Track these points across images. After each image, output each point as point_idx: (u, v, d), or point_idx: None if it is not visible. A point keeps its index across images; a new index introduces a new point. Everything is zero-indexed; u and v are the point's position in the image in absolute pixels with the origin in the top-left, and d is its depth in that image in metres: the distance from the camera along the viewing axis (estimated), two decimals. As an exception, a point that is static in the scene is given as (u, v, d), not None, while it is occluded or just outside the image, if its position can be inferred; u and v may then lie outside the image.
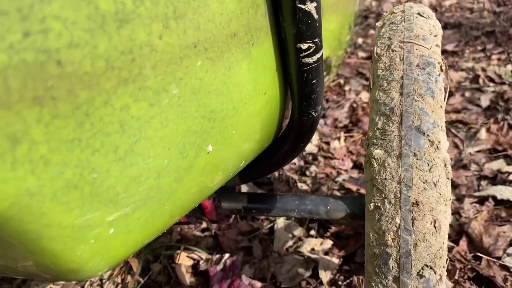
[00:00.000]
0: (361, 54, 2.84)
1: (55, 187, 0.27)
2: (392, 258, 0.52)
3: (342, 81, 2.42)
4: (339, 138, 1.81)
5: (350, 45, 3.01)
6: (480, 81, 2.13)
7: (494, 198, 1.34)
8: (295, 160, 1.69)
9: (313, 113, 0.67)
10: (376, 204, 0.54)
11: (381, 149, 0.55)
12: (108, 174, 0.31)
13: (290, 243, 1.30)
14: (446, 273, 0.53)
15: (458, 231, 1.24)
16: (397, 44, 0.61)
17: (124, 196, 0.35)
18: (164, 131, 0.36)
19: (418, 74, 0.57)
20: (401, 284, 0.52)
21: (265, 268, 1.19)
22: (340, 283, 1.14)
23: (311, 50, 0.56)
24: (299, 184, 1.54)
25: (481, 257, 1.13)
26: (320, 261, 1.18)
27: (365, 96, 2.18)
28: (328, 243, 1.27)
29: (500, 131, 1.68)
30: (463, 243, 1.19)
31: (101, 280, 1.21)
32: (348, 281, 1.14)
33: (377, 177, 0.54)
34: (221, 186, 0.62)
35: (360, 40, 3.19)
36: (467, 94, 2.04)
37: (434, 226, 0.52)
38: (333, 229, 1.32)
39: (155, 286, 1.19)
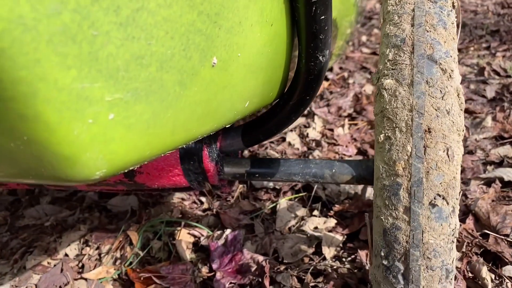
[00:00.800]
0: (365, 50, 2.84)
1: (51, 29, 0.26)
2: (403, 188, 0.50)
3: (346, 74, 2.41)
4: (343, 126, 1.79)
5: (352, 40, 3.01)
6: (486, 73, 2.11)
7: (501, 180, 1.31)
8: (298, 145, 1.67)
9: (320, 57, 0.65)
10: (387, 134, 0.52)
11: (392, 79, 0.53)
12: (108, 38, 0.30)
13: (293, 222, 1.27)
14: (458, 208, 0.51)
15: (465, 211, 1.22)
16: (408, -19, 0.60)
17: (125, 76, 0.33)
18: (167, 12, 0.34)
19: (429, 7, 0.56)
20: (412, 214, 0.50)
21: (267, 244, 1.17)
22: (344, 259, 1.12)
23: (321, -22, 0.54)
24: (302, 168, 1.51)
25: (489, 235, 1.11)
26: (324, 238, 1.16)
27: (369, 88, 2.16)
28: (332, 221, 1.24)
29: (506, 119, 1.66)
30: (469, 222, 1.17)
31: (99, 254, 1.19)
32: (352, 257, 1.12)
33: (387, 107, 0.52)
34: (224, 125, 0.61)
35: (364, 38, 3.19)
36: (472, 86, 2.03)
37: (447, 154, 0.50)
38: (336, 207, 1.29)
39: (154, 262, 1.16)
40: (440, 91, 0.51)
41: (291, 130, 1.77)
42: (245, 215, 1.32)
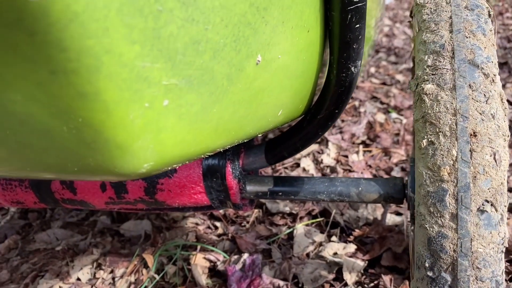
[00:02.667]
0: (375, 80, 2.86)
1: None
2: (449, 194, 0.48)
3: (357, 103, 2.41)
4: (357, 152, 1.77)
5: (363, 71, 3.04)
6: (498, 102, 2.11)
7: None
8: (313, 171, 1.66)
9: (352, 68, 0.65)
10: (430, 139, 0.51)
11: (432, 84, 0.52)
12: (171, 16, 0.29)
13: (311, 248, 1.24)
14: (507, 216, 0.49)
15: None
16: (442, -8, 0.60)
17: (182, 60, 0.32)
18: (224, -2, 0.33)
19: (467, 15, 0.56)
20: (459, 221, 0.48)
21: (286, 269, 1.13)
22: (366, 286, 1.08)
23: (358, -15, 0.54)
24: (318, 193, 1.49)
25: (516, 261, 1.07)
26: (344, 263, 1.12)
27: (381, 117, 2.16)
28: (352, 247, 1.21)
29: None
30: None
31: (113, 278, 1.15)
32: (374, 283, 1.08)
33: (429, 112, 0.51)
34: (257, 133, 0.59)
35: (372, 70, 3.22)
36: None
37: (494, 159, 0.48)
38: (356, 233, 1.26)
39: (169, 287, 1.12)
40: (484, 95, 0.50)
41: (305, 156, 1.75)
42: (261, 240, 1.29)
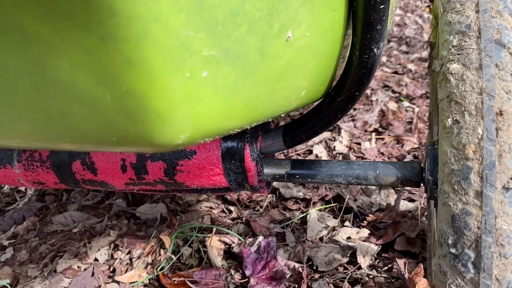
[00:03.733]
0: (386, 69, 2.84)
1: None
2: (474, 172, 0.49)
3: (369, 92, 2.41)
4: (370, 140, 1.78)
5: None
6: None
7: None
8: (325, 158, 1.66)
9: (375, 50, 0.65)
10: (455, 118, 0.51)
11: (458, 63, 0.52)
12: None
13: (324, 232, 1.25)
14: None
15: None
16: (467, -28, 0.60)
17: (221, 32, 0.33)
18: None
19: (493, -5, 0.56)
20: (484, 198, 0.48)
21: (300, 252, 1.14)
22: (379, 269, 1.09)
23: (384, -36, 0.54)
24: (331, 179, 1.49)
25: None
26: (358, 247, 1.13)
27: (393, 105, 2.16)
28: (365, 232, 1.22)
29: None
30: None
31: (130, 259, 1.17)
32: (388, 266, 1.09)
33: (455, 91, 0.52)
34: (282, 112, 0.60)
35: (384, 59, 3.20)
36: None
37: (520, 137, 0.48)
38: (370, 217, 1.27)
39: (185, 269, 1.14)
40: (511, 74, 0.50)
41: (318, 143, 1.76)
42: (275, 224, 1.30)
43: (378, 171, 0.86)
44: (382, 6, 0.59)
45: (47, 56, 0.29)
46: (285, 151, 1.72)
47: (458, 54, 0.53)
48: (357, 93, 0.73)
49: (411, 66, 2.90)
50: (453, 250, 0.51)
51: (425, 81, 2.59)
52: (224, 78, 0.36)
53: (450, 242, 0.51)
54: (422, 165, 0.84)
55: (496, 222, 0.48)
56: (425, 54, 3.22)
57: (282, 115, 0.61)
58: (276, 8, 0.39)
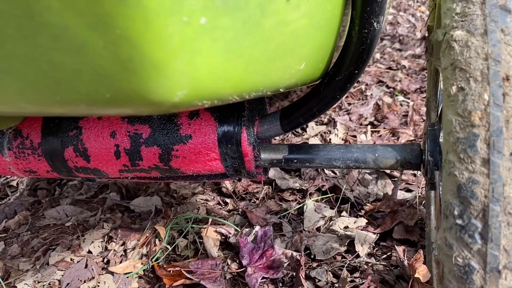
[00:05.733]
0: (380, 65, 2.84)
1: None
2: (480, 139, 0.47)
3: (363, 87, 2.40)
4: (365, 133, 1.77)
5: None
6: None
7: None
8: (322, 150, 1.64)
9: (375, 24, 0.63)
10: (460, 85, 0.50)
11: (462, 30, 0.51)
12: None
13: (321, 222, 1.23)
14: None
15: None
16: None
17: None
18: None
19: (496, -38, 0.54)
20: (491, 165, 0.47)
21: (297, 241, 1.13)
22: (378, 257, 1.07)
23: None
24: (327, 172, 1.48)
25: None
26: (356, 235, 1.12)
27: (388, 99, 2.15)
28: (363, 221, 1.20)
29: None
30: None
31: (125, 250, 1.15)
32: (386, 255, 1.07)
33: (459, 58, 0.50)
34: (280, 87, 0.58)
35: (377, 55, 3.20)
36: None
37: (528, 103, 0.47)
38: (368, 207, 1.25)
39: (180, 260, 1.12)
40: (517, 39, 0.48)
41: (313, 136, 1.74)
42: (271, 214, 1.28)
43: (377, 154, 0.84)
44: (383, -23, 0.58)
45: (35, -5, 0.27)
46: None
47: (462, 21, 0.51)
48: (356, 72, 0.71)
49: (404, 63, 2.90)
50: (459, 221, 0.49)
51: (419, 77, 2.59)
52: (223, 30, 0.35)
53: (456, 213, 0.49)
54: (421, 147, 0.83)
55: (504, 190, 0.47)
56: (418, 51, 3.23)
57: (281, 90, 0.60)
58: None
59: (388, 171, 1.41)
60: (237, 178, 0.96)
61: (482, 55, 0.49)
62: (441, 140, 0.77)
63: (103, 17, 0.28)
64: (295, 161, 0.88)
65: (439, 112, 0.82)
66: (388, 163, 0.84)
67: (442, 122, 0.77)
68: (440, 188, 0.77)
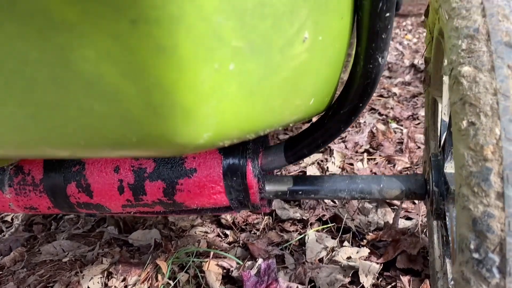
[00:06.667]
0: (372, 93, 2.88)
1: None
2: (494, 173, 0.48)
3: (356, 114, 2.42)
4: (362, 160, 1.78)
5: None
6: None
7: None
8: (320, 179, 1.65)
9: (379, 59, 0.65)
10: (470, 120, 0.51)
11: (469, 66, 0.52)
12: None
13: (324, 253, 1.23)
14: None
15: None
16: (469, -19, 0.61)
17: (250, 22, 0.32)
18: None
19: (497, 0, 0.56)
20: (506, 199, 0.47)
21: (301, 274, 1.11)
22: (383, 287, 1.06)
23: (391, -28, 0.55)
24: (327, 201, 1.48)
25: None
26: (360, 266, 1.11)
27: (381, 127, 2.17)
28: (365, 251, 1.20)
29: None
30: None
31: (125, 287, 1.13)
32: (391, 285, 1.07)
33: (468, 93, 0.51)
34: (292, 122, 0.59)
35: (369, 83, 3.24)
36: None
37: (538, 136, 0.48)
38: (370, 236, 1.25)
39: (182, 295, 1.10)
40: (523, 74, 0.50)
41: (310, 164, 1.75)
42: (273, 246, 1.27)
43: (382, 185, 0.85)
44: (388, 15, 0.59)
45: (72, 45, 0.28)
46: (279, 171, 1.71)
47: (468, 57, 0.53)
48: (360, 105, 0.72)
49: (395, 90, 2.95)
50: (476, 255, 0.49)
51: (410, 104, 2.64)
52: (249, 74, 0.35)
53: (472, 247, 0.49)
54: (425, 177, 0.84)
55: (520, 223, 0.47)
56: (408, 78, 3.29)
57: (290, 125, 0.60)
58: (297, 5, 0.38)
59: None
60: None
61: (491, 90, 0.50)
62: (445, 170, 0.78)
63: (138, 66, 0.28)
64: (300, 192, 0.89)
65: (441, 142, 0.83)
66: (393, 193, 0.84)
67: (446, 153, 0.79)
68: (448, 219, 0.77)
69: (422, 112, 2.36)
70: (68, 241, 1.40)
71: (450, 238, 0.77)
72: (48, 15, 0.26)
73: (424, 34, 5.31)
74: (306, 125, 1.84)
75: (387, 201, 1.40)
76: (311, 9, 0.42)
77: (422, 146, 1.86)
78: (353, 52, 0.68)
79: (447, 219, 0.77)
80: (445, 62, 0.58)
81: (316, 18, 0.45)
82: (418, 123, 2.22)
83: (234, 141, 0.44)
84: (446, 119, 0.87)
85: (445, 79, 0.82)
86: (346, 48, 0.65)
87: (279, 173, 1.70)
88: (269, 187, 0.90)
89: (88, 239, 1.42)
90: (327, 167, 1.71)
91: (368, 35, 0.62)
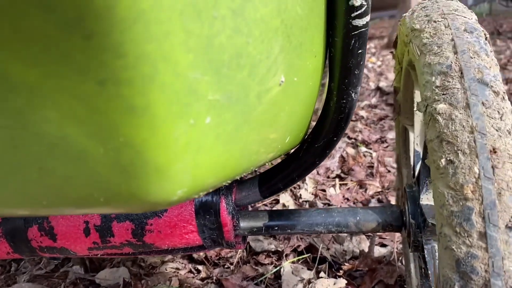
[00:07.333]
0: (340, 116, 2.91)
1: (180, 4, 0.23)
2: (475, 212, 0.47)
3: (326, 139, 2.43)
4: (334, 186, 1.77)
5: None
6: None
7: None
8: (292, 207, 1.63)
9: (352, 95, 0.64)
10: (448, 158, 0.50)
11: (445, 103, 0.52)
12: (223, 24, 0.27)
13: (300, 286, 1.20)
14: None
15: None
16: (438, 17, 0.62)
17: (226, 74, 0.30)
18: (264, 11, 0.32)
19: (467, 37, 0.57)
20: (488, 239, 0.46)
21: (278, 309, 1.08)
22: (362, 321, 1.04)
23: (363, 10, 0.54)
24: (300, 229, 1.46)
25: None
26: (338, 299, 1.09)
27: (351, 151, 2.19)
28: (342, 282, 1.18)
29: None
30: None
31: (92, 333, 1.06)
32: (371, 317, 1.05)
33: (445, 131, 0.51)
34: (267, 161, 0.57)
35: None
36: None
37: (516, 174, 0.48)
38: (346, 266, 1.23)
39: (154, 338, 1.04)
40: (498, 112, 0.50)
41: (283, 192, 1.73)
42: (248, 281, 1.23)
43: (358, 217, 0.83)
44: (360, 51, 0.59)
45: (32, 107, 0.25)
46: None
47: (443, 94, 0.53)
48: (335, 138, 0.72)
49: (362, 113, 3.00)
50: (461, 297, 0.48)
51: (378, 127, 2.68)
52: (225, 125, 0.33)
53: (457, 288, 0.48)
54: (401, 208, 0.83)
55: (504, 263, 0.46)
56: (374, 101, 3.36)
57: (266, 164, 0.58)
58: (273, 51, 0.37)
59: (361, 227, 1.41)
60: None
61: (468, 128, 0.50)
62: (421, 202, 0.77)
63: (106, 126, 0.26)
64: (276, 228, 0.86)
65: (416, 173, 0.83)
66: (370, 226, 0.83)
67: (421, 184, 0.78)
68: (426, 251, 0.77)
69: (390, 135, 2.40)
70: (30, 283, 1.32)
71: (429, 272, 0.76)
72: (5, 76, 0.23)
73: (388, 57, 5.47)
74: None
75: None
76: (287, 52, 0.41)
77: (392, 170, 1.88)
78: (326, 87, 0.68)
79: (425, 251, 0.76)
80: (420, 98, 0.58)
81: (291, 61, 0.44)
82: (387, 146, 2.25)
83: (210, 190, 0.41)
84: (419, 149, 0.87)
85: (417, 110, 0.82)
86: (319, 85, 0.64)
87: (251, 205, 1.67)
88: (243, 224, 0.87)
89: (51, 280, 1.34)
90: (300, 194, 1.70)
91: (340, 72, 0.61)
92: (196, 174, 0.33)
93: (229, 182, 0.46)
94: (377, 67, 4.81)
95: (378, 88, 3.64)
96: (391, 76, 4.04)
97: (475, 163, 0.48)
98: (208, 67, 0.27)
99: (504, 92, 0.52)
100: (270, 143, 0.50)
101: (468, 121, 0.50)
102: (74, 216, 0.82)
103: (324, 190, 1.73)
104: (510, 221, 0.47)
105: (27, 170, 0.29)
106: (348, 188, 1.78)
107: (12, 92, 0.24)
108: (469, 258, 0.47)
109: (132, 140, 0.27)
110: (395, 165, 1.87)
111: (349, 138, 2.49)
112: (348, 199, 1.70)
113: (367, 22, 0.56)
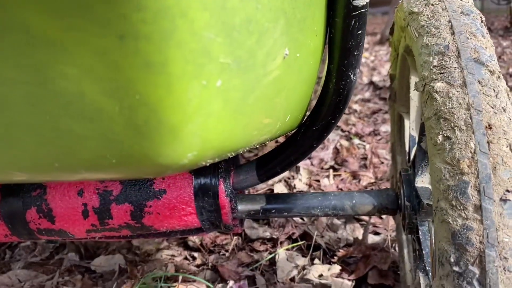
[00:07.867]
0: (334, 110, 2.93)
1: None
2: (471, 186, 0.49)
3: (319, 131, 2.45)
4: (328, 176, 1.79)
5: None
6: None
7: None
8: (287, 197, 1.64)
9: (351, 76, 0.66)
10: (445, 134, 0.51)
11: (442, 82, 0.54)
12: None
13: (295, 272, 1.21)
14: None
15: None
16: (435, 0, 0.63)
17: (237, 38, 0.31)
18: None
19: (464, 19, 0.58)
20: (483, 211, 0.48)
21: (274, 294, 1.09)
22: (356, 305, 1.06)
23: (363, -10, 0.56)
24: (296, 218, 1.48)
25: None
26: (333, 284, 1.11)
27: (345, 143, 2.21)
28: (336, 268, 1.19)
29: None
30: None
31: (89, 317, 1.07)
32: (365, 301, 1.06)
33: (442, 108, 0.52)
34: (269, 138, 0.58)
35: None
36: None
37: (510, 149, 0.49)
38: (340, 253, 1.25)
39: (150, 323, 1.05)
40: (493, 90, 0.52)
41: (278, 182, 1.75)
42: (243, 267, 1.25)
43: (354, 201, 0.85)
44: (360, 32, 0.60)
45: (52, 62, 0.26)
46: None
47: (440, 73, 0.54)
48: (333, 121, 0.73)
49: (356, 107, 3.02)
50: (456, 268, 0.49)
51: (371, 120, 2.70)
52: (234, 91, 0.34)
53: (452, 260, 0.50)
54: (396, 192, 0.85)
55: (498, 235, 0.48)
56: (367, 95, 3.38)
57: (267, 142, 0.60)
58: (279, 21, 0.38)
59: (355, 215, 1.43)
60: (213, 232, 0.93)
61: (464, 105, 0.51)
62: (416, 185, 0.79)
63: (123, 83, 0.27)
64: (273, 211, 0.87)
65: (411, 157, 0.85)
66: (365, 209, 0.84)
67: (416, 168, 0.80)
68: (421, 233, 0.78)
69: (383, 128, 2.42)
70: (25, 270, 1.32)
71: (423, 252, 0.77)
72: (26, 30, 0.24)
73: (380, 52, 5.50)
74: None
75: (357, 216, 1.41)
76: (291, 25, 0.42)
77: (386, 161, 1.90)
78: (325, 69, 0.69)
79: (420, 233, 0.78)
80: (417, 78, 0.60)
81: (295, 35, 0.45)
82: (380, 139, 2.27)
83: (215, 160, 0.42)
84: (415, 134, 0.89)
85: (412, 95, 0.84)
86: (318, 66, 0.65)
87: (247, 191, 1.68)
88: (241, 207, 0.88)
89: (46, 267, 1.35)
90: (294, 184, 1.71)
91: (340, 53, 0.62)
92: (205, 138, 0.34)
93: (233, 155, 0.47)
94: (370, 62, 4.84)
95: (372, 83, 3.66)
96: (384, 71, 4.06)
97: (471, 139, 0.50)
98: (221, 29, 0.28)
99: (499, 71, 0.53)
100: (272, 120, 0.51)
101: (464, 98, 0.51)
102: (73, 197, 0.82)
103: (318, 181, 1.75)
104: (504, 194, 0.48)
105: (42, 129, 0.30)
106: (342, 179, 1.80)
107: (32, 46, 0.25)
108: (465, 230, 0.49)
109: (147, 98, 0.28)
110: (388, 157, 1.89)
111: (342, 131, 2.51)
112: (341, 190, 1.71)
113: (367, 3, 0.57)
